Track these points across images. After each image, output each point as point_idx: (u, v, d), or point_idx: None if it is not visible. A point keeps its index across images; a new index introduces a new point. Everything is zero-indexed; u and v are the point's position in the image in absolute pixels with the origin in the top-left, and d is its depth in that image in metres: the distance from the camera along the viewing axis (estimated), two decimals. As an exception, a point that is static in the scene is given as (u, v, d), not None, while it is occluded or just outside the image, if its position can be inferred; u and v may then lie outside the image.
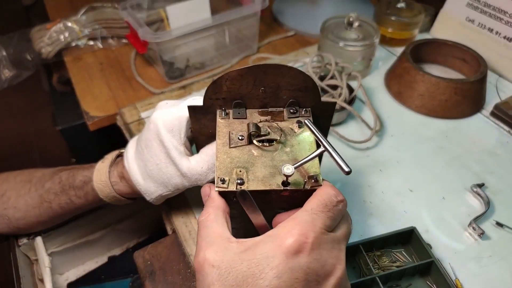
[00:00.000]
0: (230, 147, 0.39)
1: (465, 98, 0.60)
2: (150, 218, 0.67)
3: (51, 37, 0.76)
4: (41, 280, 0.56)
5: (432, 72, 0.62)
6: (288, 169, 0.34)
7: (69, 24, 0.77)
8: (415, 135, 0.60)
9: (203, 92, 0.69)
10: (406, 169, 0.55)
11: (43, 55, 0.76)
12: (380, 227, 0.48)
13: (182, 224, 0.49)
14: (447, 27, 0.75)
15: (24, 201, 0.52)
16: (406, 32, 0.75)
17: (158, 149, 0.43)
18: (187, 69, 0.73)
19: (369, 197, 0.51)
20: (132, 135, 0.61)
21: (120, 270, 0.63)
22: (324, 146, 0.35)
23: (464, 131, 0.60)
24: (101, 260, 0.65)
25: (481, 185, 0.52)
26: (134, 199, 0.50)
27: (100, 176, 0.48)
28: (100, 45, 0.79)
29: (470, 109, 0.62)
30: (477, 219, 0.49)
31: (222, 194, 0.37)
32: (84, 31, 0.78)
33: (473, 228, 0.48)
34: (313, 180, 0.35)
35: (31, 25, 0.84)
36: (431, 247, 0.45)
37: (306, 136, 0.39)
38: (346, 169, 0.33)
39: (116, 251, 0.66)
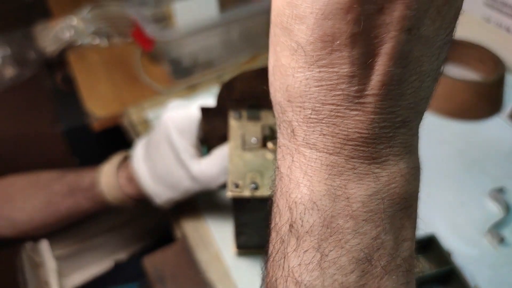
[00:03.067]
0: (243, 150, 0.37)
1: (482, 100, 0.58)
2: (157, 222, 0.66)
3: (56, 35, 0.74)
4: (46, 283, 0.55)
5: (447, 72, 0.60)
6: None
7: (74, 22, 0.76)
8: (431, 137, 0.58)
9: (212, 90, 0.67)
10: (421, 173, 0.53)
11: (48, 54, 0.75)
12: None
13: (192, 229, 0.47)
14: (463, 26, 0.73)
15: (31, 204, 0.50)
16: (419, 31, 0.73)
17: (168, 151, 0.42)
18: (195, 67, 0.72)
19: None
20: (138, 135, 0.60)
21: (126, 275, 0.61)
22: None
23: (482, 133, 0.59)
24: (107, 264, 0.63)
25: (500, 190, 0.50)
26: (142, 202, 0.48)
27: (108, 178, 0.47)
28: (105, 43, 0.78)
29: (488, 111, 0.60)
30: (496, 225, 0.47)
31: (235, 199, 0.35)
32: (89, 29, 0.76)
33: (492, 234, 0.46)
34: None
35: (32, 22, 0.82)
36: (450, 255, 0.44)
37: (323, 139, 0.38)
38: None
39: (122, 255, 0.65)
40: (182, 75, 0.70)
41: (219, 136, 0.42)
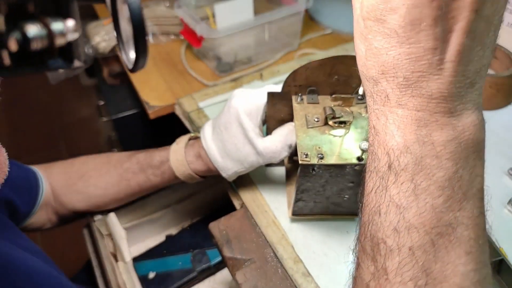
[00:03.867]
0: (308, 128, 0.44)
1: (498, 91, 0.66)
2: (204, 201, 0.73)
3: (108, 33, 0.81)
4: (112, 254, 0.61)
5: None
6: (365, 145, 0.40)
7: (123, 21, 0.83)
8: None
9: (253, 84, 0.75)
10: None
11: (100, 50, 0.82)
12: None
13: (250, 199, 0.54)
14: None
15: (104, 179, 0.57)
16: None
17: (237, 130, 0.49)
18: (235, 63, 0.79)
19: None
20: (192, 122, 0.67)
21: (178, 247, 0.68)
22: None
23: (498, 121, 0.66)
24: (160, 238, 0.70)
25: (516, 169, 0.58)
26: (205, 177, 0.55)
27: (177, 156, 0.54)
28: (151, 41, 0.85)
29: (503, 101, 0.67)
30: (515, 199, 0.54)
31: (305, 166, 0.42)
32: (137, 28, 0.83)
33: (512, 206, 0.53)
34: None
35: (83, 21, 0.89)
36: (477, 220, 0.51)
37: (374, 119, 0.45)
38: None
39: (173, 230, 0.72)
40: (225, 70, 0.77)
41: (278, 119, 0.49)
